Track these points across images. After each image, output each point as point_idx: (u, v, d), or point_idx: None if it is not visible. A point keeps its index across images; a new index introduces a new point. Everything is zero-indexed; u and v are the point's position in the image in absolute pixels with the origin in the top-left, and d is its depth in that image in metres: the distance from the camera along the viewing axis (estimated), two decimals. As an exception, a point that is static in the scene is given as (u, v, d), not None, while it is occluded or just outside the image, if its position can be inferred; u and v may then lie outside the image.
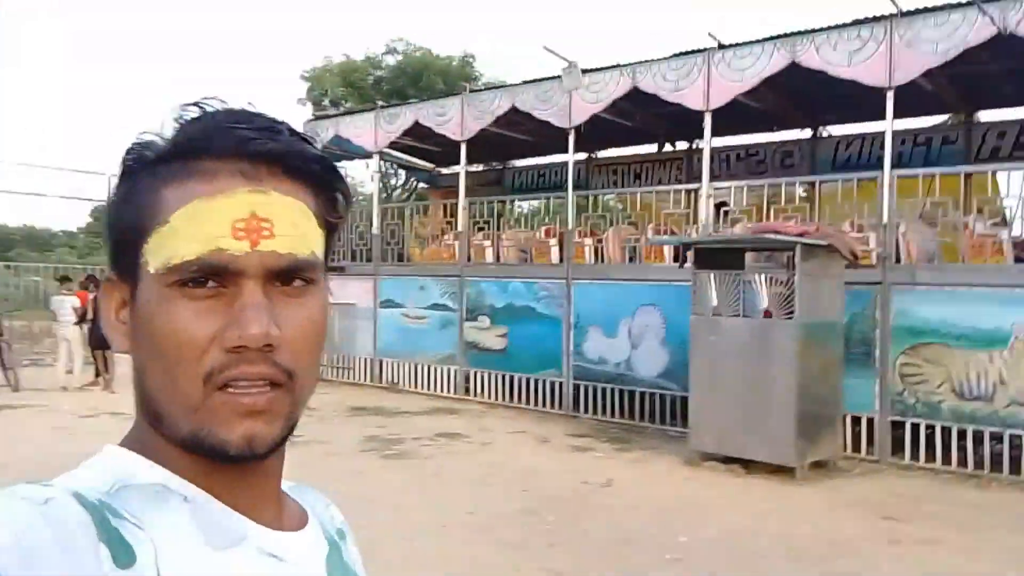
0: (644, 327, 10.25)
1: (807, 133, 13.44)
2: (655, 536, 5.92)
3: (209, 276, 0.61)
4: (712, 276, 7.94)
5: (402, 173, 23.95)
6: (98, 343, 12.09)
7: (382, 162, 20.02)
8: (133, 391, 0.67)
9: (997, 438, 7.77)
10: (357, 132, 13.81)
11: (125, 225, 0.65)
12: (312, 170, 0.66)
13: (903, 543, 5.87)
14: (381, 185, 26.35)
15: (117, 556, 0.55)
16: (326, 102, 25.39)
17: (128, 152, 0.66)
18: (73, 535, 0.53)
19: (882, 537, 5.97)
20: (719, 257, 8.16)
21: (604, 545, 5.72)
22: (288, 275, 0.63)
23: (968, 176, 9.87)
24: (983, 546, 5.81)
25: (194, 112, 0.65)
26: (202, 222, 0.61)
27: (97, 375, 12.74)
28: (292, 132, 0.66)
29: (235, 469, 0.65)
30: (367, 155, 15.06)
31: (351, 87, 24.49)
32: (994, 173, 10.61)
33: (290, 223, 0.63)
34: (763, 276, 7.74)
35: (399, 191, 25.13)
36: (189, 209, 0.61)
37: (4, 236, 35.86)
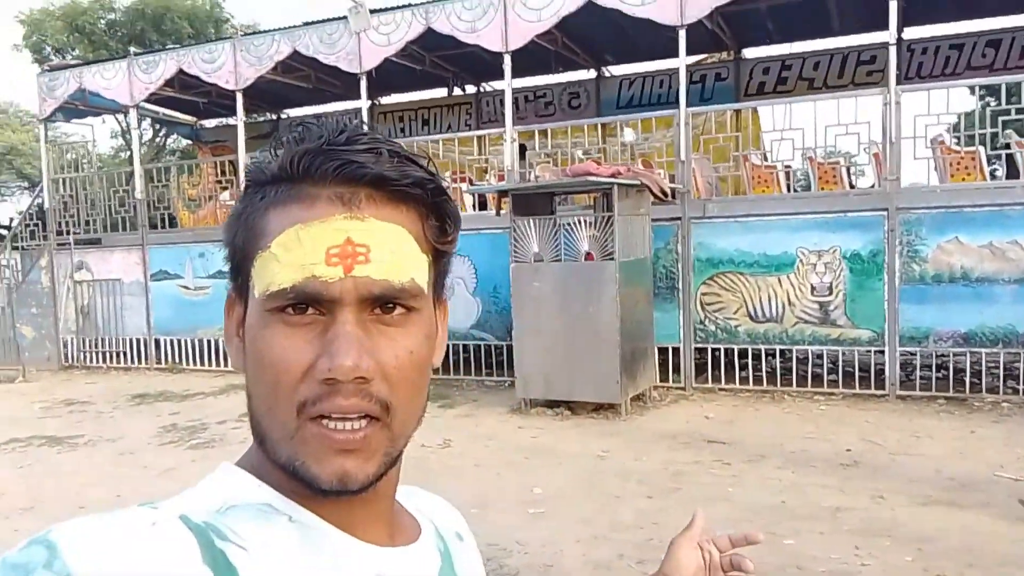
0: (454, 279, 10.02)
1: (592, 74, 13.70)
2: (510, 492, 5.78)
3: (307, 303, 0.61)
4: (531, 222, 7.83)
5: (153, 130, 21.61)
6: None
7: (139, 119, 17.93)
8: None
9: (785, 355, 8.49)
10: (106, 84, 12.06)
11: (237, 246, 0.66)
12: (415, 194, 0.64)
13: (733, 464, 6.21)
14: (147, 145, 23.75)
15: None
16: (48, 50, 22.19)
17: (248, 172, 0.67)
18: (178, 559, 0.54)
19: (715, 459, 6.28)
20: (530, 202, 8.09)
21: (463, 509, 5.39)
22: (385, 302, 0.62)
23: (737, 112, 10.56)
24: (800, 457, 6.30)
25: (303, 133, 0.64)
26: (298, 249, 0.60)
27: None
28: (395, 153, 0.64)
29: (343, 498, 0.62)
30: (122, 109, 13.30)
31: (79, 32, 21.54)
32: (755, 109, 11.51)
33: (388, 249, 0.62)
34: (582, 220, 7.76)
35: (150, 148, 22.65)
36: (288, 235, 0.61)
37: None
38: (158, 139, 22.45)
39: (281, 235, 0.61)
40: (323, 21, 10.39)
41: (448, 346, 9.72)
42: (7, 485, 6.45)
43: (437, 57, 12.04)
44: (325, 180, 0.61)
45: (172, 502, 0.61)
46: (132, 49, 13.14)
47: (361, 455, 0.61)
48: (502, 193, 8.24)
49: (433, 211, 0.66)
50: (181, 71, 11.49)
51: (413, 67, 11.99)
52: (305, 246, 0.60)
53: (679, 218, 8.66)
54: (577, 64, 12.86)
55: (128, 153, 21.97)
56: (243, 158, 11.38)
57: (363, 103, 10.54)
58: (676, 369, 8.90)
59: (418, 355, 0.64)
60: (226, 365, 11.52)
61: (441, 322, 0.73)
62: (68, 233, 12.77)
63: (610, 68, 13.62)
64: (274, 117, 16.22)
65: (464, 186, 10.03)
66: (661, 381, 8.88)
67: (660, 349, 8.82)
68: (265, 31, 11.28)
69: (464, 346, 10.01)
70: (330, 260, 0.60)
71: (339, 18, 10.15)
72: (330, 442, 0.60)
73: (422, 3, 9.62)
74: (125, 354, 12.55)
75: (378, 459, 0.62)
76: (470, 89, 14.40)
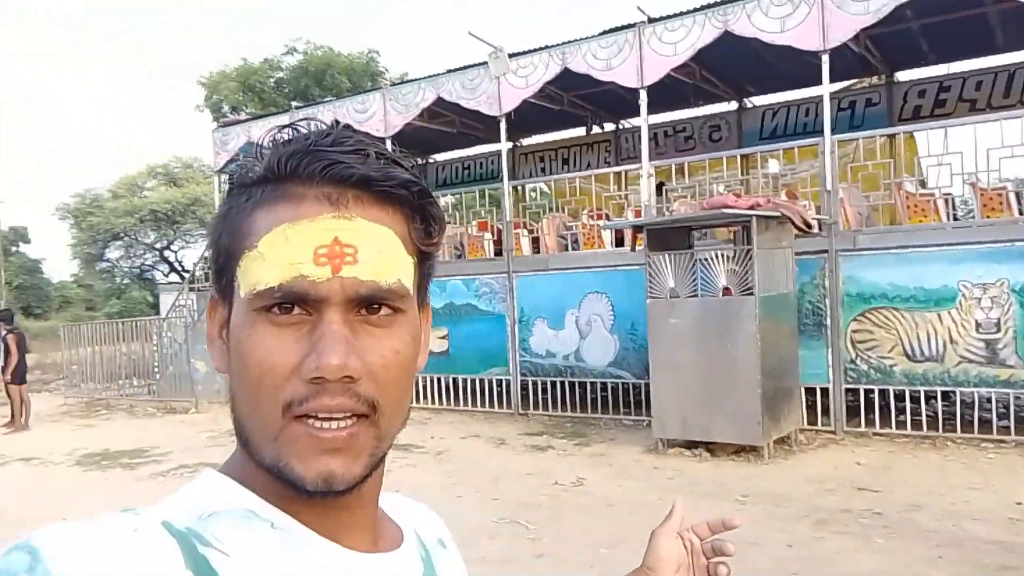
0: (591, 316, 10.00)
1: (733, 105, 13.43)
2: (642, 532, 5.56)
3: (293, 303, 0.60)
4: (667, 257, 7.72)
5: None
6: (14, 379, 11.82)
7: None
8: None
9: (948, 398, 7.83)
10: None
11: (222, 246, 0.65)
12: (401, 195, 0.64)
13: (885, 513, 5.77)
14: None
15: None
16: (225, 108, 24.30)
17: (232, 175, 0.68)
18: (159, 564, 0.54)
19: (865, 508, 5.86)
20: (666, 237, 7.96)
21: (592, 550, 5.40)
22: (372, 303, 0.62)
23: (890, 137, 9.99)
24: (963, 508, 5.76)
25: (288, 135, 0.65)
26: (285, 248, 0.60)
27: (13, 416, 11.94)
28: (382, 155, 0.64)
29: (327, 499, 0.62)
30: (282, 159, 14.28)
31: (250, 91, 23.49)
32: (911, 134, 10.83)
33: (375, 249, 0.62)
34: (718, 253, 7.56)
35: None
36: (275, 235, 0.61)
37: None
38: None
39: (268, 234, 0.61)
40: (465, 68, 10.81)
41: (585, 384, 9.82)
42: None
43: (575, 96, 12.20)
44: (312, 180, 0.61)
45: (155, 508, 0.61)
46: (294, 104, 14.11)
47: (347, 454, 0.60)
48: (637, 229, 8.17)
49: (419, 213, 0.66)
50: (336, 122, 12.22)
51: (551, 107, 12.21)
52: (292, 245, 0.60)
53: (826, 251, 8.24)
54: (717, 96, 12.64)
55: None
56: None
57: (503, 145, 10.82)
58: (825, 411, 8.40)
59: (404, 356, 0.64)
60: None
61: (425, 326, 0.72)
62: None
63: (752, 99, 13.30)
64: (422, 162, 16.93)
65: (601, 222, 10.03)
66: (809, 424, 8.41)
67: (807, 390, 8.38)
68: (411, 80, 11.87)
69: (602, 384, 9.92)
70: (318, 260, 0.59)
71: (479, 64, 10.52)
72: (316, 441, 0.59)
73: (558, 44, 9.81)
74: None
75: (364, 459, 0.61)
76: (609, 127, 14.46)
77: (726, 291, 7.41)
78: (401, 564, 0.71)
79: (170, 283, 26.11)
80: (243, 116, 19.65)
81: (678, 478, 7.09)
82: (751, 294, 7.20)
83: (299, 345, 0.60)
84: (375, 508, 0.71)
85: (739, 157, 10.15)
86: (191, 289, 14.84)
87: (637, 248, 8.31)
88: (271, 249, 0.60)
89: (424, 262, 0.68)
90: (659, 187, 9.97)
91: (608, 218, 10.72)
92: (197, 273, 14.99)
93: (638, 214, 9.80)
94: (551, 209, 12.05)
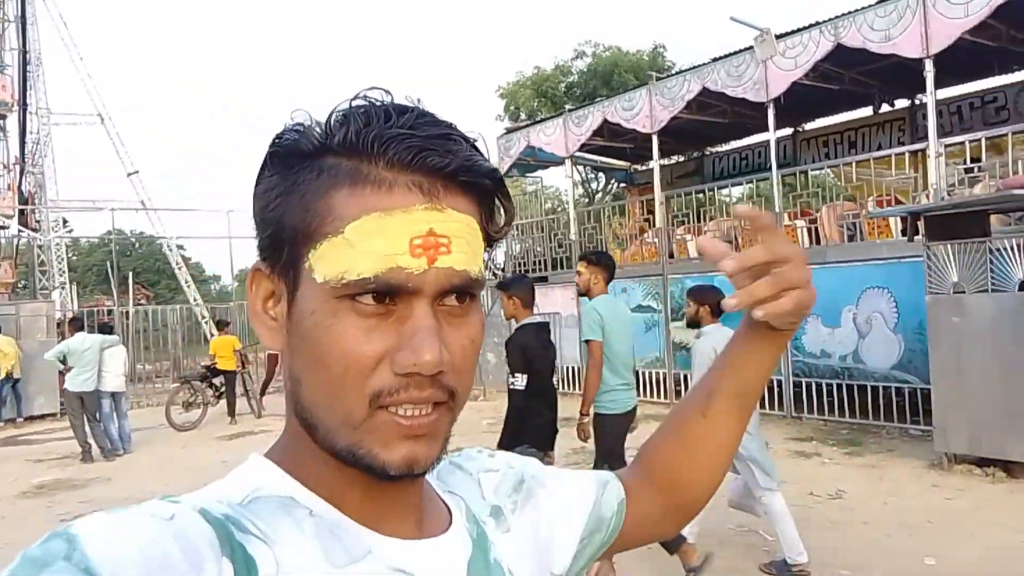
0: (872, 313, 9.06)
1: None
2: (895, 558, 5.02)
3: (387, 293, 0.60)
4: (949, 247, 6.75)
5: (603, 176, 23.59)
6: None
7: (578, 167, 19.87)
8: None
9: None
10: (547, 139, 13.63)
11: (287, 222, 0.62)
12: (483, 184, 0.63)
13: None
14: (583, 190, 26.30)
15: (239, 571, 0.55)
16: (523, 116, 25.69)
17: (281, 136, 0.63)
18: (196, 550, 0.53)
19: None
20: (959, 225, 6.92)
21: (831, 570, 4.92)
22: (458, 293, 0.62)
23: None
24: None
25: (361, 106, 0.62)
26: (380, 238, 0.59)
27: None
28: (464, 139, 0.62)
29: (383, 484, 0.63)
30: (559, 161, 14.85)
31: (544, 97, 24.55)
32: None
33: (464, 240, 0.61)
34: (1014, 242, 6.46)
35: (600, 194, 24.77)
36: (367, 223, 0.59)
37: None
38: (608, 187, 24.40)
39: (358, 221, 0.59)
40: (730, 55, 10.36)
41: (865, 388, 8.93)
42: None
43: (857, 74, 11.08)
44: (401, 165, 0.60)
45: (196, 495, 0.61)
46: (567, 106, 14.59)
47: (429, 439, 0.61)
48: (915, 216, 7.25)
49: (493, 201, 0.65)
50: (606, 120, 12.44)
51: (830, 88, 11.22)
52: (388, 235, 0.59)
53: None
54: (1036, 57, 10.70)
55: (586, 200, 24.29)
56: (659, 197, 11.84)
57: (771, 134, 10.20)
58: None
59: (477, 343, 0.64)
60: (645, 395, 11.98)
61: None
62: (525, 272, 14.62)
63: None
64: (698, 155, 16.52)
65: (868, 209, 9.04)
66: None
67: None
68: (676, 72, 11.65)
69: (884, 389, 8.94)
70: (414, 251, 0.59)
71: (745, 49, 10.02)
72: (400, 429, 0.60)
73: (830, 19, 9.01)
74: (562, 380, 13.83)
75: (441, 442, 0.63)
76: (902, 103, 12.91)
77: (1022, 286, 6.30)
78: (447, 548, 0.69)
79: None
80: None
81: (959, 499, 6.19)
82: (1055, 289, 6.05)
83: (386, 336, 0.59)
84: (421, 492, 0.70)
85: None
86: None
87: (916, 238, 7.36)
88: (363, 239, 0.59)
89: (490, 248, 0.67)
90: (968, 171, 8.71)
91: (899, 204, 9.63)
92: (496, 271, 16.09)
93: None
94: (833, 197, 11.08)
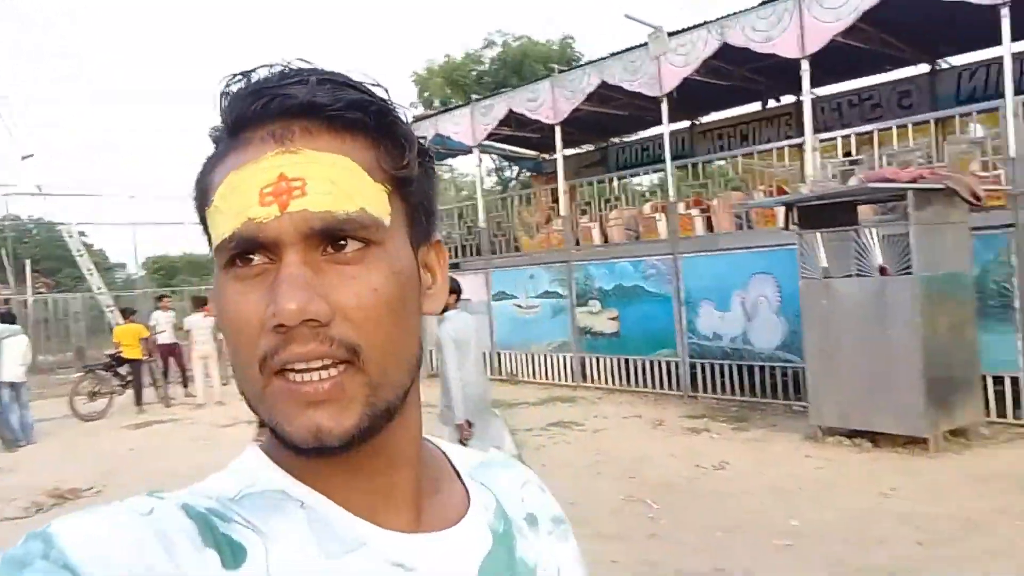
0: (758, 297, 9.67)
1: (924, 68, 12.21)
2: (765, 521, 5.52)
3: (252, 251, 0.57)
4: (819, 236, 7.33)
5: (515, 166, 23.93)
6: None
7: (490, 156, 20.12)
8: None
9: None
10: (455, 128, 13.83)
11: (199, 214, 0.62)
12: (357, 120, 0.58)
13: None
14: (497, 179, 26.57)
15: (226, 559, 0.54)
16: (436, 103, 25.72)
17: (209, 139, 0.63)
18: (173, 544, 0.52)
19: (1027, 512, 5.31)
20: (831, 215, 7.50)
21: (708, 533, 5.38)
22: (336, 238, 0.57)
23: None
24: None
25: (240, 83, 0.60)
26: (235, 195, 0.57)
27: None
28: (328, 80, 0.58)
29: (348, 463, 0.60)
30: (467, 150, 15.07)
31: (455, 85, 24.66)
32: None
33: (327, 179, 0.56)
34: (874, 231, 7.07)
35: (513, 183, 25.11)
36: (225, 184, 0.58)
37: (168, 265, 38.78)
38: (511, 173, 24.74)
39: (221, 186, 0.58)
40: (627, 50, 10.79)
41: (754, 368, 9.53)
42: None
43: (746, 71, 11.72)
44: (258, 121, 0.58)
45: (184, 491, 0.59)
46: (473, 96, 14.80)
47: (334, 406, 0.56)
48: (787, 207, 7.81)
49: (385, 137, 0.60)
50: (511, 111, 12.73)
51: (721, 83, 11.83)
52: (240, 190, 0.56)
53: (1012, 225, 7.39)
54: (905, 60, 11.53)
55: (500, 188, 24.56)
56: (563, 186, 12.23)
57: (664, 127, 10.71)
58: (1017, 402, 7.56)
59: (385, 292, 0.58)
60: (553, 378, 12.41)
61: (438, 265, 0.68)
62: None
63: (948, 60, 11.97)
64: (603, 145, 17.02)
65: (756, 201, 9.64)
66: (998, 416, 7.62)
67: (996, 379, 7.58)
68: (577, 66, 12.02)
69: (770, 368, 9.57)
70: (264, 199, 0.55)
71: (641, 45, 10.46)
72: (296, 395, 0.55)
73: (717, 19, 9.52)
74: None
75: (356, 409, 0.56)
76: (789, 99, 13.69)
77: (883, 271, 6.92)
78: (456, 542, 0.65)
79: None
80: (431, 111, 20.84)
81: (827, 468, 6.77)
82: (909, 273, 6.68)
83: (262, 295, 0.56)
84: (413, 475, 0.66)
85: (932, 123, 9.22)
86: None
87: (791, 227, 7.93)
88: (223, 200, 0.57)
89: (404, 189, 0.62)
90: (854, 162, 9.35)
91: (783, 194, 10.25)
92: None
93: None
94: (724, 188, 11.70)
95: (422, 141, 0.63)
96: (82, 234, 28.48)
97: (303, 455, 0.57)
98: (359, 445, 0.57)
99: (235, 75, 0.60)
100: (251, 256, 0.57)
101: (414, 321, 0.62)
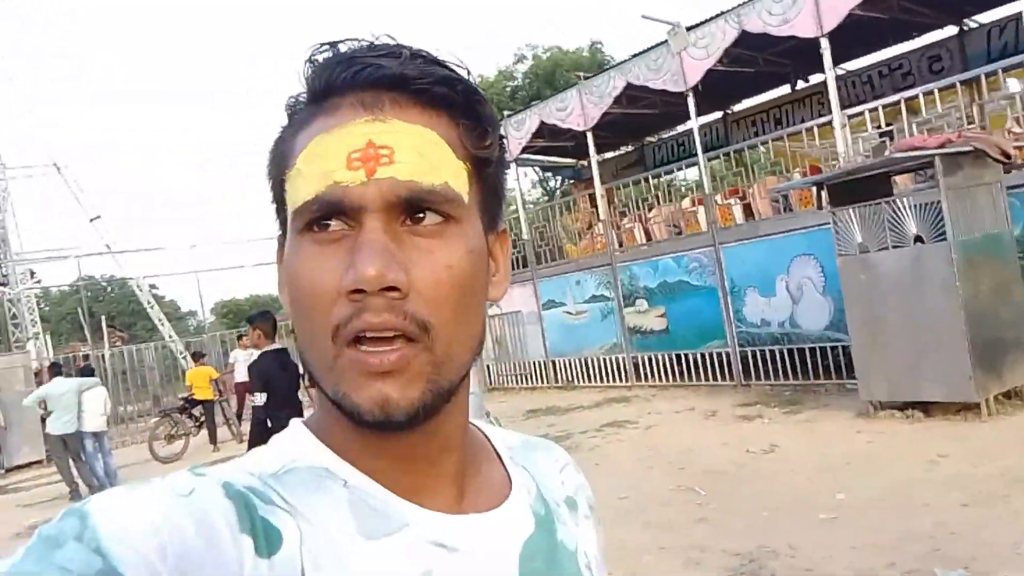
0: (802, 279, 9.64)
1: (952, 30, 11.95)
2: (811, 498, 5.55)
3: (332, 215, 0.56)
4: (851, 211, 7.32)
5: (556, 175, 24.11)
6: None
7: (528, 168, 20.34)
8: None
9: None
10: (490, 144, 14.04)
11: (274, 179, 0.62)
12: (442, 94, 0.59)
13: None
14: (542, 190, 26.77)
15: (260, 546, 0.53)
16: (471, 122, 26.07)
17: (286, 108, 0.64)
18: (212, 527, 0.51)
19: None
20: (870, 189, 7.43)
21: (755, 514, 5.43)
22: (417, 209, 0.57)
23: None
24: None
25: (326, 53, 0.60)
26: (321, 159, 0.57)
27: None
28: (419, 55, 0.59)
29: (401, 444, 0.60)
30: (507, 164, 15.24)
31: (491, 103, 25.00)
32: None
33: (414, 150, 0.57)
34: (907, 200, 7.02)
35: (558, 192, 25.30)
36: (310, 148, 0.58)
37: (236, 308, 40.24)
38: (555, 183, 24.89)
39: (306, 149, 0.58)
40: (648, 50, 10.91)
41: (804, 350, 9.47)
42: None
43: (771, 55, 11.69)
44: (347, 89, 0.58)
45: (225, 467, 0.58)
46: (505, 112, 15.05)
47: (400, 378, 0.55)
48: (817, 186, 7.81)
49: (468, 116, 0.60)
50: (543, 122, 12.95)
51: (746, 71, 11.83)
52: (327, 154, 0.57)
53: (1052, 178, 7.25)
54: (930, 25, 11.34)
55: (545, 198, 24.76)
56: (599, 190, 12.37)
57: (693, 121, 10.77)
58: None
59: (459, 271, 0.57)
60: (608, 380, 12.51)
61: (502, 254, 0.68)
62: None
63: (975, 18, 11.71)
64: (640, 144, 17.08)
65: (780, 184, 9.60)
66: (1058, 375, 7.43)
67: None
68: (602, 70, 12.16)
69: (820, 349, 9.51)
70: (351, 164, 0.55)
71: (661, 43, 10.57)
72: (366, 366, 0.55)
73: (732, 8, 9.58)
74: (530, 375, 14.31)
75: (421, 384, 0.56)
76: (817, 77, 13.54)
77: (919, 240, 6.87)
78: (499, 524, 0.65)
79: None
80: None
81: (877, 441, 6.74)
82: (944, 239, 6.62)
83: (341, 261, 0.55)
84: (461, 459, 0.66)
85: (958, 86, 9.08)
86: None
87: (823, 206, 7.92)
88: (307, 163, 0.57)
89: (482, 171, 0.62)
90: (883, 135, 9.28)
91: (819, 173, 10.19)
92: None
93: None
94: (760, 174, 11.66)
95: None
96: (153, 287, 29.83)
97: (367, 427, 0.56)
98: (421, 424, 0.57)
99: (322, 44, 0.60)
100: (328, 222, 0.56)
101: (481, 304, 0.62)
